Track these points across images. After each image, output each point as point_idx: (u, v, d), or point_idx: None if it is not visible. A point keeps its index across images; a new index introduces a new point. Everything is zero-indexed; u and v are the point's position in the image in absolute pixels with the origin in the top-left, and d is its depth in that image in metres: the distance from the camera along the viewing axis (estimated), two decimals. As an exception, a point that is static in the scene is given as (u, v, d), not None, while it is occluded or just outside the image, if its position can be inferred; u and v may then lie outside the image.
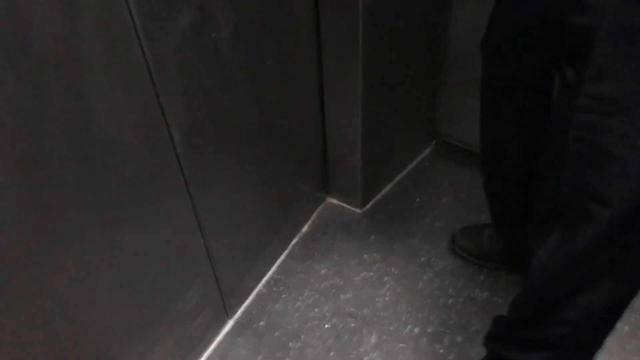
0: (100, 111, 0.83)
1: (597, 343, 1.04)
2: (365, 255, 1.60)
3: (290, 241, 1.64)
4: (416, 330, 1.42)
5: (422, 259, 1.58)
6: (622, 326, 1.39)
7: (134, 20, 0.81)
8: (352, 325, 1.43)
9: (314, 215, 1.73)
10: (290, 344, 1.40)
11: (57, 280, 0.87)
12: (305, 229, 1.69)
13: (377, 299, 1.49)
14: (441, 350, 1.37)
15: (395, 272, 1.55)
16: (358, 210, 1.74)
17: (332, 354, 1.38)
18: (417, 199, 1.75)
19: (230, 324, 1.44)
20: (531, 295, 1.01)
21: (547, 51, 0.84)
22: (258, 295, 1.51)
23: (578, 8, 0.73)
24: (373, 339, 1.40)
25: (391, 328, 1.42)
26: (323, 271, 1.57)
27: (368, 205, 1.75)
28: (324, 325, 1.43)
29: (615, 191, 0.78)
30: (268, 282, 1.55)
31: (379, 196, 1.78)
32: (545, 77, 0.86)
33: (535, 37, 0.87)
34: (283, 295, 1.51)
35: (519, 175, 1.15)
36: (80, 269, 0.91)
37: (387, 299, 1.49)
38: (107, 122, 0.85)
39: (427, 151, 1.91)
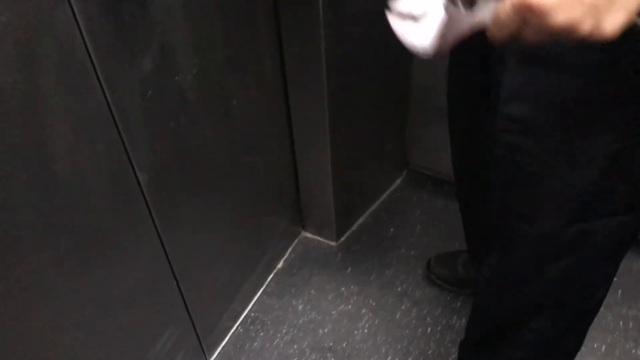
0: (63, 158, 0.82)
1: None
2: (342, 288, 1.60)
3: (266, 278, 1.63)
4: (396, 361, 1.41)
5: (399, 289, 1.58)
6: (600, 346, 1.40)
7: (94, 65, 0.82)
8: (332, 359, 1.42)
9: (289, 250, 1.72)
10: (270, 383, 1.38)
11: (22, 328, 0.85)
12: (280, 264, 1.68)
13: (355, 332, 1.48)
14: (422, 381, 1.37)
15: (373, 304, 1.55)
16: (333, 243, 1.74)
17: (312, 391, 1.36)
18: (391, 229, 1.76)
19: (208, 366, 1.42)
20: (480, 313, 1.02)
21: (483, 74, 0.87)
22: (235, 335, 1.49)
23: None
24: (353, 373, 1.39)
25: (371, 361, 1.41)
26: (300, 307, 1.56)
27: (343, 238, 1.75)
28: (303, 361, 1.42)
29: (537, 211, 0.79)
30: (245, 320, 1.53)
31: (353, 228, 1.78)
32: (485, 99, 0.89)
33: (476, 63, 0.91)
34: (261, 334, 1.49)
35: (480, 195, 1.18)
36: (49, 316, 0.89)
37: (365, 331, 1.48)
38: (71, 168, 0.84)
39: (398, 181, 1.93)
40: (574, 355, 1.03)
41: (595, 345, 1.40)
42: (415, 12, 0.67)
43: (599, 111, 0.70)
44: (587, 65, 0.67)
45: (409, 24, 0.68)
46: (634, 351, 1.39)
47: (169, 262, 1.14)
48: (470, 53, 0.93)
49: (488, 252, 1.01)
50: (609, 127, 0.70)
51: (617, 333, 1.43)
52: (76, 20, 0.76)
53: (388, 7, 0.72)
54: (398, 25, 0.69)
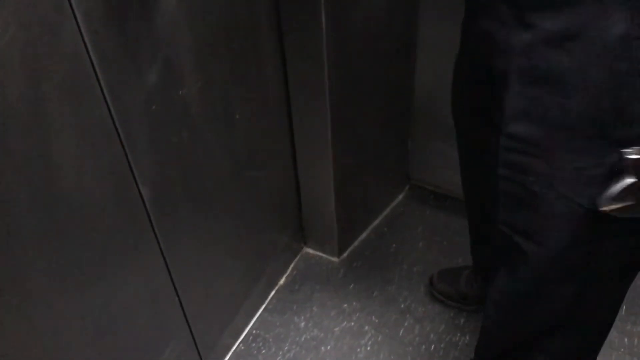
0: (67, 171, 0.82)
1: None
2: (345, 305, 1.58)
3: (268, 294, 1.62)
4: (399, 379, 1.39)
5: (402, 306, 1.57)
6: (605, 363, 1.39)
7: (99, 79, 0.82)
8: (334, 377, 1.40)
9: (291, 266, 1.71)
10: (272, 401, 1.36)
11: (23, 343, 0.84)
12: (282, 281, 1.67)
13: (358, 350, 1.46)
14: (426, 399, 1.35)
15: (376, 321, 1.53)
16: (335, 259, 1.73)
17: (315, 409, 1.35)
18: (394, 245, 1.75)
19: (208, 384, 1.40)
20: (489, 335, 1.01)
21: (486, 93, 0.87)
22: (237, 352, 1.48)
23: (496, 53, 0.77)
24: (356, 391, 1.37)
25: (374, 378, 1.40)
26: (302, 324, 1.54)
27: (345, 254, 1.74)
28: (306, 379, 1.40)
29: (543, 230, 0.78)
30: (247, 337, 1.51)
31: (355, 244, 1.78)
32: (488, 117, 0.89)
33: (479, 81, 0.91)
34: (262, 351, 1.47)
35: (488, 212, 1.17)
36: (51, 331, 0.88)
37: (368, 348, 1.47)
38: (75, 182, 0.84)
39: (400, 197, 1.93)
40: None
41: (601, 363, 1.38)
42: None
43: (605, 129, 0.69)
44: (591, 85, 0.67)
45: None
46: (639, 368, 1.38)
47: (171, 277, 1.13)
48: (475, 70, 0.93)
49: (495, 270, 1.00)
50: (615, 146, 0.69)
51: (622, 350, 1.41)
52: (81, 34, 0.77)
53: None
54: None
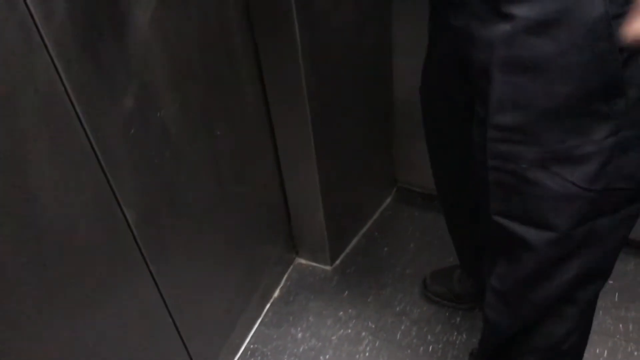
0: (48, 201, 0.81)
1: None
2: (341, 313, 1.58)
3: (263, 308, 1.61)
4: (400, 383, 1.39)
5: (397, 309, 1.57)
6: (602, 351, 1.39)
7: (75, 107, 0.81)
8: (335, 386, 1.40)
9: (284, 277, 1.71)
10: (274, 415, 1.36)
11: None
12: (276, 293, 1.66)
13: (357, 356, 1.46)
14: (427, 401, 1.35)
15: (372, 326, 1.53)
16: (328, 268, 1.73)
17: (317, 419, 1.34)
18: (385, 249, 1.76)
19: (209, 403, 1.39)
20: (493, 325, 1.01)
21: (465, 88, 0.88)
22: (235, 368, 1.47)
23: (475, 47, 0.77)
24: (357, 398, 1.37)
25: (374, 384, 1.40)
26: (300, 335, 1.54)
27: (337, 261, 1.74)
28: (306, 390, 1.40)
29: (544, 214, 0.80)
30: (245, 353, 1.51)
31: (347, 250, 1.78)
32: (471, 112, 0.90)
33: (455, 78, 0.92)
34: (261, 365, 1.47)
35: (471, 209, 1.18)
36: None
37: (367, 354, 1.47)
38: (57, 211, 0.83)
39: (388, 200, 1.93)
40: (581, 353, 1.04)
41: (597, 351, 1.39)
42: None
43: (590, 108, 0.71)
44: (575, 68, 0.69)
45: None
46: (636, 353, 1.38)
47: (163, 298, 1.12)
48: (449, 68, 0.94)
49: (482, 266, 1.01)
50: (602, 122, 0.72)
51: (618, 336, 1.42)
52: (54, 65, 0.76)
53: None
54: None
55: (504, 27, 0.71)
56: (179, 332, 1.20)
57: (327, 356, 1.47)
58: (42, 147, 0.78)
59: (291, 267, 1.74)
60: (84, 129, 0.84)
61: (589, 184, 0.75)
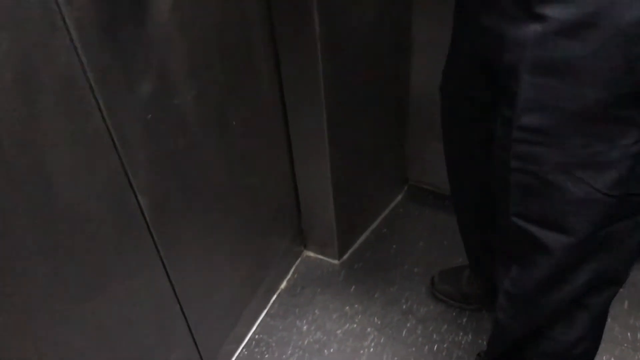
0: (64, 184, 0.82)
1: None
2: (347, 307, 1.59)
3: (270, 299, 1.62)
4: (403, 380, 1.39)
5: (404, 307, 1.57)
6: (608, 358, 1.39)
7: (94, 91, 0.82)
8: (338, 380, 1.40)
9: (292, 270, 1.71)
10: (276, 406, 1.36)
11: (28, 352, 0.84)
12: (283, 285, 1.67)
13: (361, 351, 1.47)
14: (430, 399, 1.35)
15: (378, 322, 1.53)
16: (336, 262, 1.73)
17: (319, 412, 1.35)
18: (394, 246, 1.75)
19: (213, 391, 1.40)
20: (504, 328, 1.01)
21: (488, 88, 0.87)
22: (240, 358, 1.48)
23: (503, 46, 0.77)
24: (360, 394, 1.37)
25: (378, 380, 1.40)
26: (305, 327, 1.54)
27: (345, 256, 1.74)
28: (310, 383, 1.40)
29: (563, 218, 0.80)
30: (249, 342, 1.51)
31: (355, 246, 1.78)
32: (493, 112, 0.90)
33: (478, 77, 0.91)
34: (266, 356, 1.47)
35: (485, 210, 1.17)
36: (52, 341, 0.88)
37: (371, 350, 1.47)
38: (73, 195, 0.84)
39: (399, 197, 1.93)
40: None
41: (604, 358, 1.39)
42: None
43: (619, 114, 0.71)
44: (606, 71, 0.68)
45: None
46: (643, 362, 1.38)
47: (172, 285, 1.13)
48: (474, 67, 0.94)
49: (494, 268, 1.00)
50: (630, 128, 0.72)
51: (626, 345, 1.41)
52: (75, 47, 0.77)
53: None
54: None
55: (535, 28, 0.70)
56: (186, 319, 1.21)
57: (332, 350, 1.47)
58: (59, 129, 0.79)
59: (299, 259, 1.75)
60: (102, 113, 0.85)
61: (610, 190, 0.75)
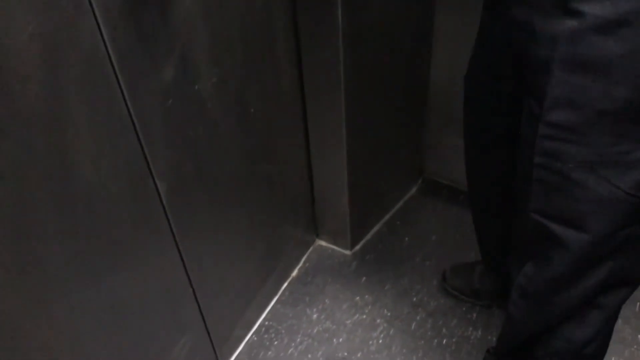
0: (85, 165, 0.83)
1: None
2: (357, 298, 1.59)
3: (280, 286, 1.62)
4: (411, 372, 1.40)
5: (414, 299, 1.57)
6: (617, 359, 1.38)
7: (117, 74, 0.82)
8: (346, 370, 1.41)
9: (304, 258, 1.72)
10: (284, 393, 1.38)
11: (43, 334, 0.85)
12: (295, 273, 1.67)
13: (370, 342, 1.47)
14: (437, 393, 1.36)
15: (388, 314, 1.54)
16: (348, 252, 1.73)
17: (326, 401, 1.36)
18: (406, 238, 1.75)
19: (222, 375, 1.42)
20: (515, 325, 1.01)
21: (517, 82, 0.87)
22: (250, 343, 1.49)
23: (535, 41, 0.76)
24: (368, 384, 1.38)
25: (386, 372, 1.40)
26: (315, 316, 1.55)
27: (357, 247, 1.75)
28: (318, 371, 1.41)
29: (584, 216, 0.79)
30: (259, 329, 1.52)
31: (368, 237, 1.78)
32: (518, 106, 0.89)
33: (506, 70, 0.91)
34: (275, 342, 1.48)
35: (502, 205, 1.17)
36: (67, 322, 0.89)
37: (380, 341, 1.47)
38: (92, 176, 0.85)
39: (413, 190, 1.93)
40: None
41: (613, 359, 1.38)
42: None
43: None
44: (636, 71, 0.68)
45: None
46: (652, 365, 1.37)
47: (186, 270, 1.14)
48: (498, 59, 0.93)
49: (510, 262, 1.00)
50: None
51: (635, 347, 1.41)
52: (100, 30, 0.77)
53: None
54: None
55: (571, 24, 0.70)
56: (198, 303, 1.22)
57: (341, 340, 1.48)
58: (81, 111, 0.79)
59: (311, 248, 1.75)
60: (124, 96, 0.85)
61: (634, 190, 0.75)
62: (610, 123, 0.72)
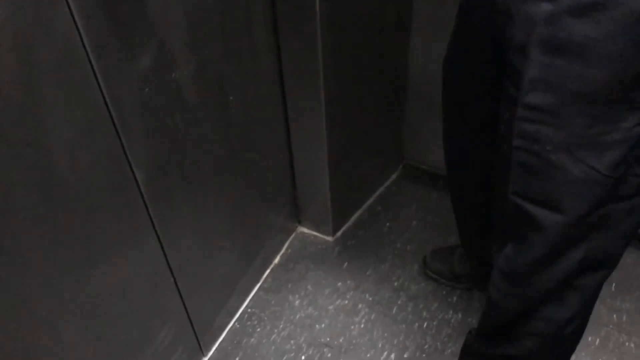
0: (61, 156, 0.82)
1: (566, 354, 1.06)
2: (339, 283, 1.60)
3: (263, 273, 1.63)
4: (392, 356, 1.41)
5: (395, 284, 1.59)
6: (594, 339, 1.41)
7: (92, 63, 0.81)
8: (329, 355, 1.42)
9: (286, 245, 1.72)
10: (267, 379, 1.39)
11: (18, 322, 0.85)
12: (277, 260, 1.68)
13: (352, 327, 1.49)
14: (418, 375, 1.38)
15: (369, 299, 1.55)
16: (329, 238, 1.74)
17: (309, 386, 1.37)
18: (387, 224, 1.77)
19: (205, 362, 1.43)
20: (496, 306, 1.03)
21: (496, 65, 0.87)
22: (232, 331, 1.50)
23: (513, 24, 0.77)
24: (350, 368, 1.40)
25: (368, 356, 1.42)
26: (297, 302, 1.56)
27: (339, 233, 1.76)
28: (300, 357, 1.42)
29: (561, 198, 0.81)
30: (242, 316, 1.53)
31: (349, 223, 1.79)
32: (497, 90, 0.90)
33: (485, 53, 0.91)
34: (258, 329, 1.49)
35: (481, 189, 1.18)
36: (47, 313, 0.89)
37: (362, 326, 1.49)
38: (69, 165, 0.84)
39: (394, 176, 1.94)
40: (578, 342, 1.05)
41: (590, 339, 1.41)
42: None
43: (624, 96, 0.72)
44: (615, 54, 0.68)
45: None
46: (627, 344, 1.40)
47: (167, 258, 1.14)
48: (477, 43, 0.93)
49: (490, 245, 1.01)
50: (632, 111, 0.72)
51: (611, 326, 1.44)
52: (74, 19, 0.76)
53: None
54: None
55: (547, 7, 0.70)
56: (179, 292, 1.22)
57: (323, 325, 1.49)
58: (57, 101, 0.78)
59: (293, 235, 1.76)
60: (99, 86, 0.84)
61: (610, 171, 0.76)
62: (586, 105, 0.73)
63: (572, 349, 1.07)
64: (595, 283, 0.93)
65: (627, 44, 0.67)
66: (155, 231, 1.07)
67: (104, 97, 0.86)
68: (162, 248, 1.11)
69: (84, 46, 0.79)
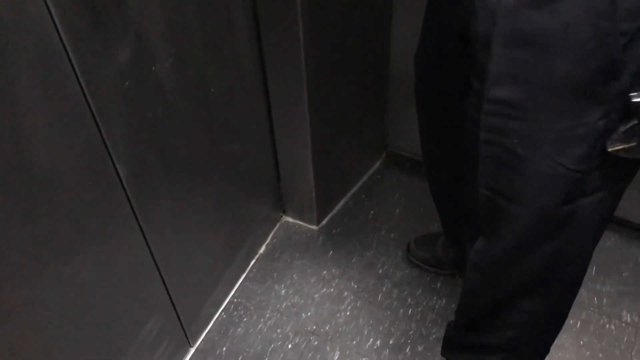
0: (40, 151, 0.81)
1: (546, 343, 1.08)
2: (324, 272, 1.61)
3: (248, 263, 1.64)
4: (378, 342, 1.43)
5: (380, 271, 1.60)
6: (575, 322, 1.44)
7: (70, 56, 0.81)
8: (315, 343, 1.44)
9: (271, 235, 1.73)
10: (254, 368, 1.40)
11: (3, 322, 0.84)
12: (262, 250, 1.69)
13: (338, 315, 1.50)
14: (404, 361, 1.40)
15: (355, 286, 1.57)
16: (314, 227, 1.75)
17: (296, 374, 1.38)
18: (372, 212, 1.78)
19: (192, 352, 1.43)
20: (470, 297, 1.04)
21: (463, 59, 0.87)
22: (219, 321, 1.50)
23: (476, 18, 0.77)
24: (336, 356, 1.41)
25: (354, 343, 1.43)
26: (283, 291, 1.57)
27: (324, 222, 1.77)
28: (287, 345, 1.44)
29: (528, 191, 0.81)
30: (228, 306, 1.54)
31: (334, 211, 1.80)
32: (467, 84, 0.90)
33: (454, 49, 0.91)
34: (244, 319, 1.50)
35: (456, 181, 1.19)
36: (30, 309, 0.89)
37: (347, 313, 1.50)
38: (49, 161, 0.83)
39: (377, 164, 1.95)
40: (559, 331, 1.07)
41: (571, 322, 1.44)
42: None
43: (588, 90, 0.71)
44: (576, 46, 0.68)
45: None
46: (607, 326, 1.43)
47: (151, 251, 1.14)
48: (444, 38, 0.94)
49: (466, 235, 1.02)
50: (596, 105, 0.72)
51: (592, 309, 1.47)
52: (50, 14, 0.75)
53: None
54: None
55: (507, 0, 0.71)
56: (164, 284, 1.22)
57: (309, 313, 1.51)
58: (34, 96, 0.78)
59: (278, 224, 1.76)
60: (78, 80, 0.84)
61: (575, 165, 0.76)
62: (551, 99, 0.73)
63: (553, 338, 1.08)
64: (569, 276, 0.94)
65: (586, 35, 0.67)
66: (139, 224, 1.07)
67: (83, 92, 0.85)
68: (146, 241, 1.11)
69: (61, 40, 0.78)
